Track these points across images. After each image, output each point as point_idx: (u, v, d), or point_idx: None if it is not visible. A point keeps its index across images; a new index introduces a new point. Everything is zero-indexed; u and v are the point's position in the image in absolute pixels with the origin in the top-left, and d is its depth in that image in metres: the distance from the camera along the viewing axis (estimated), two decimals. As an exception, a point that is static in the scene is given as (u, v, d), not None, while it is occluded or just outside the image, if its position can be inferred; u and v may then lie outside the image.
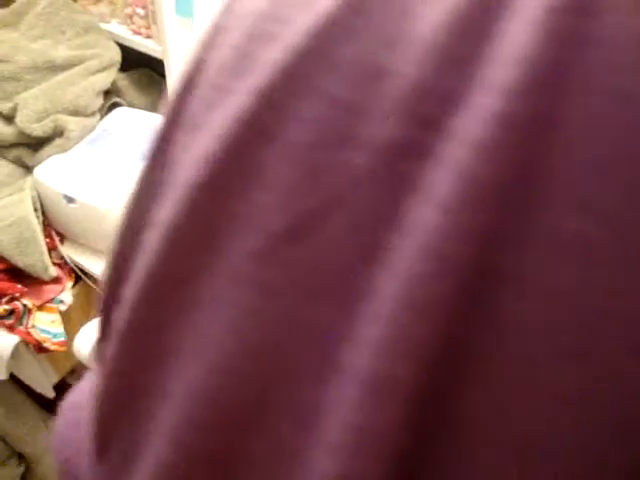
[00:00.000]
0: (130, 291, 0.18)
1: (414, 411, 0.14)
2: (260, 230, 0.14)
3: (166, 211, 0.16)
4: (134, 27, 0.98)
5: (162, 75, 1.05)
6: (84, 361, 0.71)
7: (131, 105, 1.05)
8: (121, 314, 0.18)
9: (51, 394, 1.06)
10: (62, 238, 1.00)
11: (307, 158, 0.14)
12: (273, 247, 0.14)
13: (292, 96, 0.14)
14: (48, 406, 1.26)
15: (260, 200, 0.14)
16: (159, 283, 0.17)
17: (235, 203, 0.14)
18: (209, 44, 0.18)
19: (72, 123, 0.93)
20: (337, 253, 0.13)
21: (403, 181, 0.13)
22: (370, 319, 0.13)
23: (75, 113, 0.94)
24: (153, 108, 1.06)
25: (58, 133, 0.94)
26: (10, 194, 0.96)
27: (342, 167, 0.13)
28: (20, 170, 0.99)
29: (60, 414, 0.24)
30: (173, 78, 0.98)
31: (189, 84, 0.18)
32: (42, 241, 0.95)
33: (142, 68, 1.08)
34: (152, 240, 0.17)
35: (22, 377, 1.03)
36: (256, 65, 0.14)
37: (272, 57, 0.14)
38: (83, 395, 0.23)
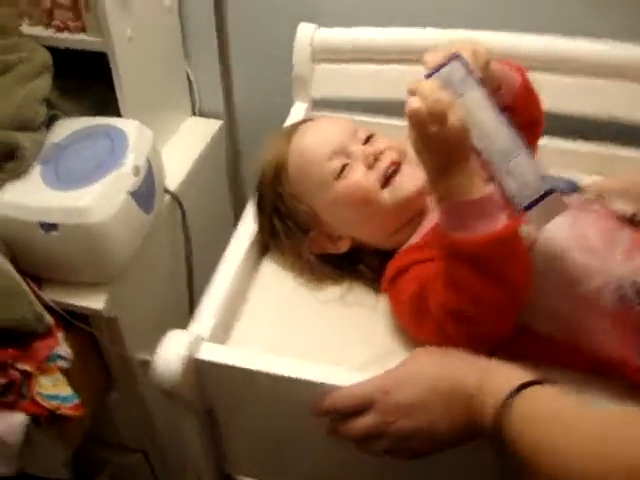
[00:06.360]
0: None
1: None
2: None
3: None
4: (57, 22, 0.85)
5: (94, 75, 0.93)
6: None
7: (68, 115, 0.91)
8: None
9: (67, 475, 0.86)
10: (39, 281, 0.82)
11: None
12: None
13: None
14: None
15: None
16: None
17: None
18: None
19: (25, 140, 0.78)
20: None
21: None
22: None
23: (23, 128, 0.79)
24: (91, 114, 0.93)
25: (8, 155, 0.78)
26: (-38, 244, 0.77)
27: None
28: (-38, 214, 0.79)
29: None
30: (123, 69, 0.88)
31: None
32: (26, 287, 0.77)
33: (65, 73, 0.94)
34: None
35: (31, 470, 0.82)
36: None
37: None
38: None
